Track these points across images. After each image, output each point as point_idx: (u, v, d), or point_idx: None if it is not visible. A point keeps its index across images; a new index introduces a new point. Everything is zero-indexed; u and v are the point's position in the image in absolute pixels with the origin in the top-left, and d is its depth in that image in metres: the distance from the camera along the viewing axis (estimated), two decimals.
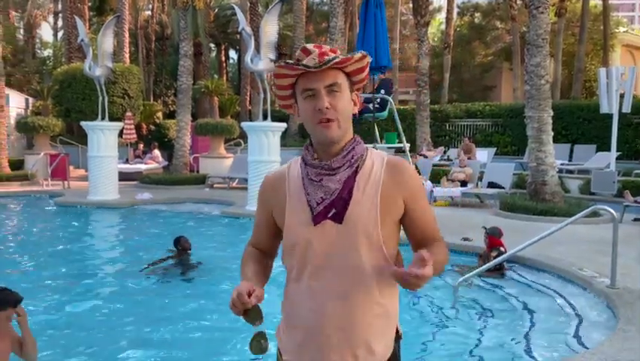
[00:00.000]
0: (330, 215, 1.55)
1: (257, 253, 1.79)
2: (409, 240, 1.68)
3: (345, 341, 1.57)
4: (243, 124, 11.11)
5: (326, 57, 1.50)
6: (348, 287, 1.56)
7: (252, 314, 1.53)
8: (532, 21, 9.94)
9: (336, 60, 1.50)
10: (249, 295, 1.50)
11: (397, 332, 1.69)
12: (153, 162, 17.25)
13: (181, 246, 6.81)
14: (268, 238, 1.77)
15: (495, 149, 16.53)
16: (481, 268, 5.57)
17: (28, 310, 4.78)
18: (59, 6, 28.11)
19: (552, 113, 10.04)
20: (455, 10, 26.42)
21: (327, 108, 1.51)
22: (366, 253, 1.55)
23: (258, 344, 1.58)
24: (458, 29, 29.93)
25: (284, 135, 14.52)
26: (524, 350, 4.18)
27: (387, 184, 1.57)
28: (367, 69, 1.61)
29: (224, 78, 29.60)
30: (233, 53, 35.29)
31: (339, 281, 1.56)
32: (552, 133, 10.05)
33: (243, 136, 15.17)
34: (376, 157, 1.63)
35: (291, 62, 1.51)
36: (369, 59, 1.57)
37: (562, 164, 13.75)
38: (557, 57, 21.77)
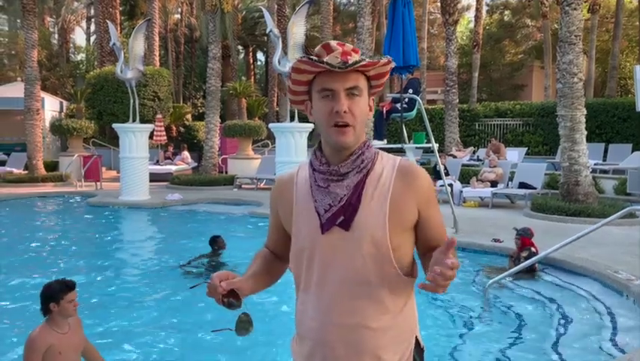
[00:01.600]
0: (338, 222, 1.50)
1: (267, 254, 1.76)
2: (418, 245, 1.62)
3: (353, 353, 1.52)
4: (271, 125, 11.18)
5: (349, 57, 1.44)
6: (355, 297, 1.51)
7: (231, 305, 1.55)
8: (564, 18, 9.73)
9: (363, 63, 1.44)
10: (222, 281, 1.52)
11: (418, 344, 1.62)
12: (183, 163, 17.50)
13: (217, 245, 6.91)
14: (279, 242, 1.72)
15: (526, 149, 16.22)
16: (512, 270, 5.48)
17: None
18: (92, 11, 28.80)
19: (585, 112, 9.81)
20: (484, 8, 26.03)
21: (345, 112, 1.45)
22: (373, 261, 1.49)
23: (243, 324, 1.62)
24: (487, 28, 29.50)
25: (311, 136, 14.55)
26: (557, 354, 4.09)
27: (398, 190, 1.51)
28: (387, 75, 1.56)
29: (252, 80, 29.85)
30: (260, 55, 35.57)
31: (346, 291, 1.51)
32: (585, 132, 9.82)
33: (271, 137, 15.26)
34: (387, 162, 1.56)
35: (313, 57, 1.44)
36: (392, 65, 1.52)
37: (596, 164, 13.40)
38: (591, 54, 21.25)
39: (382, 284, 1.51)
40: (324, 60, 1.43)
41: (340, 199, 1.50)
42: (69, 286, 3.02)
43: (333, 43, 1.48)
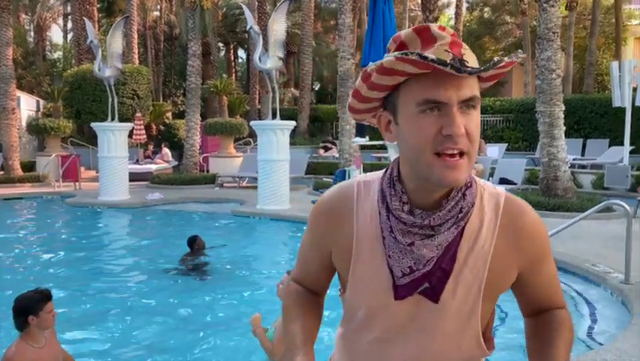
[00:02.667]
0: (420, 290, 1.11)
1: (304, 294, 1.32)
2: (519, 304, 1.25)
3: None
4: (252, 123, 11.12)
5: (462, 51, 0.99)
6: None
7: None
8: (542, 15, 9.83)
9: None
10: None
11: None
12: (163, 162, 17.32)
13: (197, 245, 6.84)
14: (318, 277, 1.31)
15: (506, 145, 16.40)
16: None
17: None
18: (69, 8, 28.33)
19: (564, 108, 9.93)
20: (464, 5, 26.21)
21: (461, 135, 1.00)
22: (455, 341, 1.15)
23: None
24: (468, 25, 29.73)
25: (293, 134, 14.51)
26: None
27: (500, 252, 1.11)
28: (502, 76, 1.11)
29: (233, 77, 29.66)
30: (241, 52, 35.35)
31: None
32: (564, 128, 9.95)
33: (253, 135, 15.18)
34: (488, 204, 1.13)
35: (429, 56, 0.95)
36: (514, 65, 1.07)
37: (574, 159, 13.62)
38: (569, 51, 21.55)
39: None
40: (431, 57, 0.95)
41: (427, 262, 1.09)
42: (47, 295, 2.85)
43: (435, 27, 1.02)
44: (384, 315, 1.16)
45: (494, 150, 14.96)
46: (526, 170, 11.94)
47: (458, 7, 23.25)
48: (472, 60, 1.01)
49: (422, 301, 1.12)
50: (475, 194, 1.12)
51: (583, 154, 15.23)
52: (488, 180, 11.74)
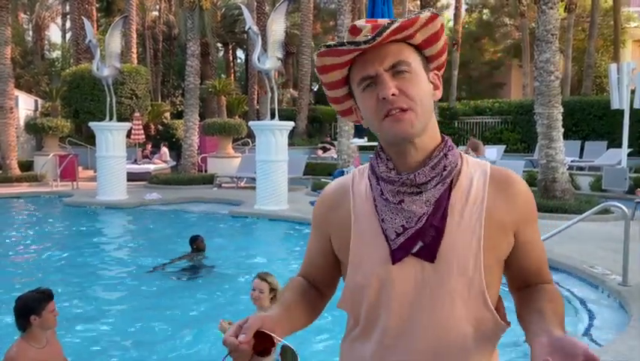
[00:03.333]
0: (415, 250, 1.13)
1: (304, 283, 1.32)
2: (509, 277, 1.25)
3: None
4: (251, 123, 11.11)
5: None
6: (436, 353, 1.14)
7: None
8: (541, 17, 9.84)
9: (394, 27, 1.06)
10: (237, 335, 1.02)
11: None
12: (161, 162, 17.29)
13: (196, 246, 6.83)
14: (324, 272, 1.31)
15: (504, 146, 16.42)
16: None
17: None
18: (67, 7, 28.28)
19: (562, 110, 9.95)
20: (463, 7, 26.25)
21: (393, 95, 1.09)
22: (463, 304, 1.13)
23: (289, 357, 1.07)
24: (466, 26, 29.76)
25: (291, 134, 14.50)
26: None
27: (493, 207, 1.14)
28: (443, 37, 1.18)
29: (232, 78, 29.65)
30: (240, 53, 35.32)
31: (425, 345, 1.14)
32: (562, 130, 9.96)
33: (251, 135, 15.17)
34: (475, 168, 1.19)
35: (330, 43, 1.11)
36: (442, 20, 1.15)
37: (572, 161, 13.63)
38: (567, 53, 21.56)
39: (473, 334, 1.15)
40: (334, 43, 1.10)
41: (418, 219, 1.12)
42: (49, 295, 2.84)
43: (360, 22, 1.16)
44: (388, 291, 1.15)
45: (493, 152, 14.95)
46: (524, 172, 11.95)
47: (457, 8, 23.26)
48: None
49: (424, 267, 1.13)
50: (458, 157, 1.19)
51: (581, 156, 15.24)
52: None
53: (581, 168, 13.58)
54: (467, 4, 30.84)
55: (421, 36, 1.13)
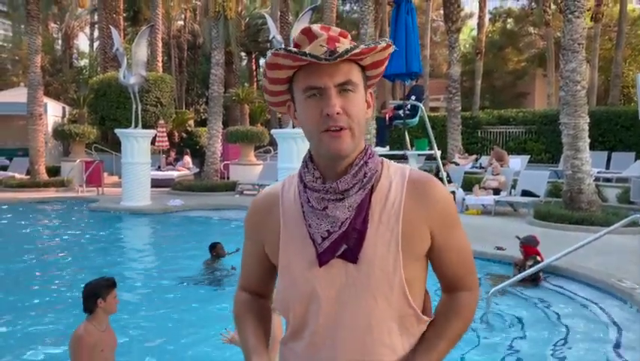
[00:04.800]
0: (339, 253, 1.20)
1: (251, 301, 1.40)
2: (437, 276, 1.33)
3: None
4: (273, 131, 11.17)
5: (337, 45, 1.14)
6: (363, 348, 1.21)
7: None
8: (567, 26, 9.72)
9: (356, 51, 1.13)
10: None
11: None
12: (184, 169, 17.49)
13: (215, 252, 6.88)
14: (261, 278, 1.39)
15: (529, 156, 16.18)
16: (514, 278, 5.44)
17: (68, 315, 4.88)
18: (96, 17, 28.92)
19: (588, 120, 9.78)
20: (487, 17, 26.09)
21: (337, 114, 1.15)
22: (386, 302, 1.20)
23: None
24: (490, 35, 29.54)
25: None
26: None
27: (410, 209, 1.21)
28: (386, 62, 1.26)
29: (255, 86, 29.90)
30: (263, 62, 35.60)
31: (352, 340, 1.21)
32: (588, 140, 9.79)
33: (273, 143, 15.25)
34: (395, 173, 1.26)
35: (292, 49, 1.14)
36: (392, 49, 1.22)
37: (599, 172, 13.35)
38: (594, 63, 21.24)
39: (398, 330, 1.22)
40: (306, 52, 1.14)
41: (342, 223, 1.20)
42: (113, 283, 3.13)
43: (316, 27, 1.19)
44: (316, 293, 1.22)
45: (517, 162, 14.76)
46: (549, 182, 11.76)
47: (481, 17, 23.13)
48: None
49: (348, 268, 1.21)
50: (380, 165, 1.26)
51: (608, 167, 14.92)
52: (510, 192, 11.61)
53: (608, 180, 13.29)
54: (491, 13, 30.64)
55: (370, 60, 1.22)
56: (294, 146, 10.21)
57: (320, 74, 1.16)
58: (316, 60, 1.13)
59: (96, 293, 3.03)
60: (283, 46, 1.21)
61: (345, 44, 1.16)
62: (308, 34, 1.18)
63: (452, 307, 1.30)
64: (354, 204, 1.21)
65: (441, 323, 1.28)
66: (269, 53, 1.17)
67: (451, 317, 1.29)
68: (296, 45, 1.19)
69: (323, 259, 1.21)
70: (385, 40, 1.20)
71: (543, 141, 17.28)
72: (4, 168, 16.73)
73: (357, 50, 1.14)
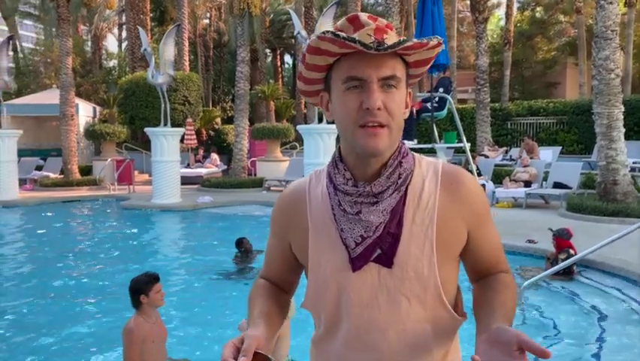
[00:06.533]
0: (374, 257, 1.17)
1: (269, 286, 1.36)
2: (467, 269, 1.30)
3: None
4: (299, 127, 11.19)
5: (385, 37, 1.08)
6: (395, 352, 1.19)
7: None
8: (600, 12, 9.45)
9: (408, 44, 1.08)
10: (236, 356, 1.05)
11: None
12: (213, 166, 17.69)
13: (243, 247, 6.94)
14: (284, 274, 1.36)
15: (560, 148, 15.82)
16: (548, 271, 5.32)
17: (104, 309, 4.98)
18: (123, 18, 29.42)
19: (623, 109, 9.50)
20: (515, 5, 25.54)
21: (378, 109, 1.10)
22: (420, 304, 1.17)
23: None
24: (519, 25, 28.95)
25: (339, 138, 14.48)
26: (595, 358, 3.95)
27: (444, 208, 1.17)
28: (432, 62, 1.21)
29: (280, 83, 30.00)
30: (288, 58, 35.72)
31: (386, 345, 1.19)
32: (623, 130, 9.52)
33: (299, 139, 15.28)
34: (427, 169, 1.21)
35: (341, 34, 1.06)
36: (441, 49, 1.16)
37: (634, 162, 12.97)
38: (628, 50, 20.62)
39: (432, 332, 1.19)
40: (355, 37, 1.07)
41: (376, 228, 1.15)
42: (155, 278, 3.24)
43: (364, 16, 1.12)
44: (348, 295, 1.19)
45: (548, 154, 14.46)
46: (582, 174, 11.49)
47: (509, 7, 22.64)
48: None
49: (381, 271, 1.17)
50: (413, 162, 1.21)
51: None
52: (542, 184, 11.38)
53: None
54: (519, 2, 30.02)
55: (416, 57, 1.16)
56: (319, 141, 10.22)
57: (365, 64, 1.10)
58: (365, 49, 1.06)
59: (138, 290, 3.18)
60: (308, 41, 1.11)
61: (392, 37, 1.10)
62: (354, 22, 1.12)
63: (496, 281, 1.25)
64: (389, 208, 1.16)
65: (494, 296, 1.19)
66: (313, 36, 1.10)
67: (501, 289, 1.22)
68: (338, 31, 1.11)
69: (357, 264, 1.18)
70: (437, 37, 1.14)
71: (575, 132, 16.87)
72: (39, 168, 17.18)
73: (409, 44, 1.08)
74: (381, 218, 1.16)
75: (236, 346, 1.06)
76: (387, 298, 1.18)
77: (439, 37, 1.14)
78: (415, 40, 1.09)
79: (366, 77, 1.10)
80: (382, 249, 1.16)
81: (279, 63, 32.95)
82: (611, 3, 9.33)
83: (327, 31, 1.06)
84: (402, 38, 1.09)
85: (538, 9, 30.54)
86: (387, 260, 1.16)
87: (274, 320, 1.25)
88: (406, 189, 1.18)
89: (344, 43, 1.06)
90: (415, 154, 1.26)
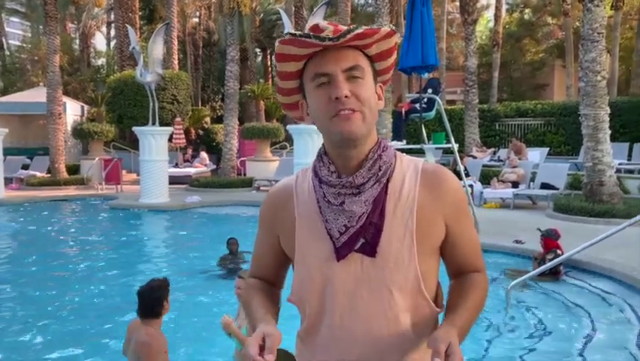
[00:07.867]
0: (357, 247, 1.22)
1: (260, 283, 1.41)
2: (446, 264, 1.35)
3: None
4: (289, 127, 11.18)
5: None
6: (379, 338, 1.24)
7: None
8: (586, 15, 9.55)
9: (358, 31, 1.14)
10: (261, 349, 1.10)
11: None
12: (201, 166, 17.61)
13: (232, 247, 6.93)
14: (273, 269, 1.41)
15: (548, 149, 15.96)
16: (534, 272, 5.37)
17: (89, 308, 4.94)
18: (112, 16, 29.20)
19: (609, 111, 9.61)
20: (504, 7, 25.75)
21: (346, 97, 1.16)
22: (401, 294, 1.22)
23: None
24: (507, 26, 29.15)
25: None
26: (581, 357, 3.99)
27: (423, 202, 1.23)
28: (394, 54, 1.27)
29: (270, 82, 29.93)
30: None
31: (369, 331, 1.24)
32: (609, 131, 9.62)
33: (289, 139, 15.27)
34: (408, 166, 1.28)
35: (295, 32, 1.15)
36: (398, 40, 1.23)
37: (620, 163, 13.12)
38: (614, 52, 20.84)
39: (412, 321, 1.25)
40: (310, 34, 1.15)
41: (359, 218, 1.21)
42: (169, 283, 3.07)
43: (323, 23, 1.21)
44: (333, 285, 1.24)
45: (535, 155, 14.57)
46: (568, 175, 11.60)
47: (498, 9, 22.79)
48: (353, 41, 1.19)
49: (364, 261, 1.22)
50: (394, 158, 1.27)
51: (630, 158, 14.65)
52: (529, 185, 11.47)
53: (629, 171, 13.06)
54: (508, 4, 30.26)
55: (376, 49, 1.23)
56: (309, 141, 10.22)
57: (327, 59, 1.18)
58: (319, 41, 1.14)
59: (160, 296, 2.95)
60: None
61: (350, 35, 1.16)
62: (315, 30, 1.19)
63: (466, 282, 1.32)
64: (371, 199, 1.21)
65: (460, 296, 1.28)
66: (276, 43, 1.18)
67: (469, 290, 1.29)
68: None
69: (341, 253, 1.22)
70: (390, 25, 1.20)
71: (562, 133, 17.03)
72: (26, 167, 17.01)
73: (359, 30, 1.14)
74: (364, 208, 1.21)
75: (260, 344, 1.12)
76: (370, 288, 1.23)
77: (392, 26, 1.22)
78: (364, 27, 1.15)
79: (330, 71, 1.18)
80: (366, 238, 1.22)
81: (269, 63, 32.86)
82: (597, 6, 9.43)
83: (286, 33, 1.15)
84: (352, 26, 1.16)
85: (526, 11, 30.79)
86: (370, 249, 1.22)
87: (276, 317, 1.33)
88: (387, 183, 1.24)
89: (302, 42, 1.15)
90: (397, 152, 1.30)
